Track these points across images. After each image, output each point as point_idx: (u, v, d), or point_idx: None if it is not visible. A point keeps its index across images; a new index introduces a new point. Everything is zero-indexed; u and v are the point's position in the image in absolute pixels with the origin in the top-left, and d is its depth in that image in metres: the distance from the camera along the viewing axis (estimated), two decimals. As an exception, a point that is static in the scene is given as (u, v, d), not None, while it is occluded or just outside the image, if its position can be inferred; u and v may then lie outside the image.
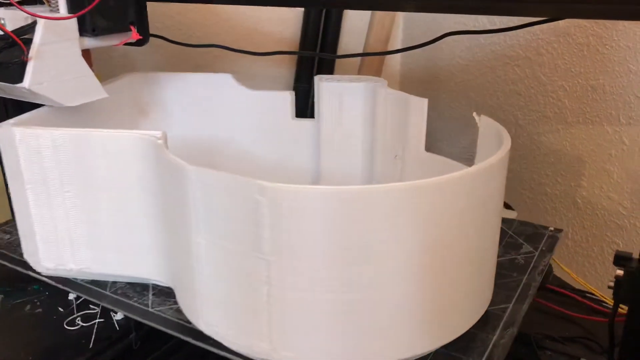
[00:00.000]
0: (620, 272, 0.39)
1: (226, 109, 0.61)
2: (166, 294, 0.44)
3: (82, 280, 0.46)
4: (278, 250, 0.32)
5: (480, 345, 0.38)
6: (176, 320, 0.41)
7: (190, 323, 0.40)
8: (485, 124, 0.44)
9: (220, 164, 0.62)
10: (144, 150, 0.40)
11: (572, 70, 0.73)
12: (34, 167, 0.42)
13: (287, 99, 0.60)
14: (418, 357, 0.37)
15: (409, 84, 0.96)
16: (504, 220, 0.56)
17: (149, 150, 0.40)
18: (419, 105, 0.50)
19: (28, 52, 0.40)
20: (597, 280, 0.77)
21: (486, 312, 0.41)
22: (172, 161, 0.36)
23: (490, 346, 0.38)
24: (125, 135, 0.40)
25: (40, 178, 0.43)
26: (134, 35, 0.47)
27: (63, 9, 0.43)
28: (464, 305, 0.39)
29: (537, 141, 0.79)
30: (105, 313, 0.46)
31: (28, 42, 0.41)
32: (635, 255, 0.38)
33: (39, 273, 0.46)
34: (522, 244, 0.52)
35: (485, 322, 0.40)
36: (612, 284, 0.39)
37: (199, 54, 0.74)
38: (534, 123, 0.79)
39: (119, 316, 0.46)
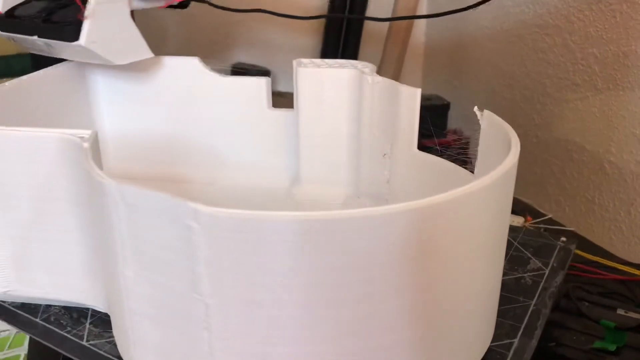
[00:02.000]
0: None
1: (192, 99, 0.54)
2: (107, 322, 0.37)
3: (9, 303, 0.39)
4: (219, 292, 0.25)
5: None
6: (113, 357, 0.34)
7: (128, 364, 0.33)
8: (489, 122, 0.37)
9: (184, 165, 0.55)
10: (68, 154, 0.33)
11: (604, 37, 0.71)
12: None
13: (262, 85, 0.52)
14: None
15: (433, 55, 0.96)
16: (510, 229, 0.49)
17: (74, 154, 0.32)
18: (411, 96, 0.42)
19: (85, 12, 0.42)
20: (624, 243, 0.73)
21: (487, 350, 0.34)
22: (91, 172, 0.28)
23: (492, 398, 0.31)
24: (44, 135, 0.33)
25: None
26: None
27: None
28: (461, 348, 0.32)
29: (565, 108, 0.78)
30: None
31: (83, 2, 0.43)
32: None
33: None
34: (529, 258, 0.45)
35: (486, 364, 0.33)
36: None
37: (214, 27, 0.73)
38: (562, 91, 0.78)
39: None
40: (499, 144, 0.34)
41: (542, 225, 0.74)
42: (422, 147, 0.80)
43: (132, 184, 0.26)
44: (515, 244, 0.46)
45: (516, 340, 0.35)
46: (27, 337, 0.68)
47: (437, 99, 0.80)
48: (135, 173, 0.56)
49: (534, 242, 0.47)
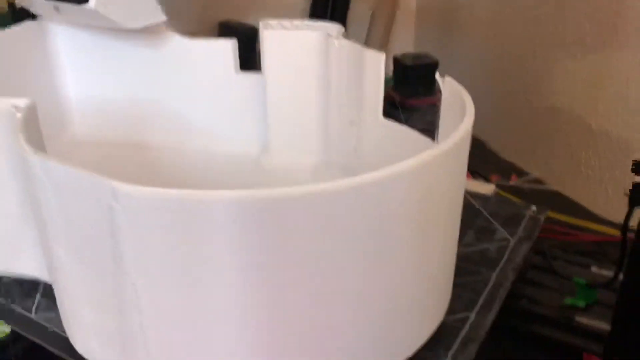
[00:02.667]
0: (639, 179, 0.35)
1: (159, 63, 0.52)
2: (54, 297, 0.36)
3: (-42, 276, 0.38)
4: (145, 272, 0.24)
5: (428, 373, 0.31)
6: (62, 333, 0.33)
7: (74, 339, 0.32)
8: (450, 89, 0.35)
9: (152, 131, 0.54)
10: (4, 124, 0.31)
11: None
12: None
13: (228, 48, 0.50)
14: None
15: (425, 13, 0.94)
16: (479, 198, 0.48)
17: (9, 124, 0.31)
18: (375, 61, 0.40)
19: None
20: (607, 203, 0.73)
21: (441, 323, 0.34)
22: (20, 145, 0.27)
23: (441, 374, 0.31)
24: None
25: None
26: None
27: None
28: (421, 316, 0.31)
29: (554, 68, 0.76)
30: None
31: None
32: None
33: None
34: (496, 229, 0.44)
35: (438, 339, 0.33)
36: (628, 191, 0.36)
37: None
38: (553, 50, 0.76)
39: None
40: (458, 112, 0.33)
41: (526, 185, 0.74)
42: (408, 106, 0.78)
43: (56, 160, 0.25)
44: (485, 213, 0.45)
45: (473, 314, 0.35)
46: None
47: (425, 57, 0.78)
48: (102, 139, 0.54)
49: (505, 211, 0.46)
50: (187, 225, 0.23)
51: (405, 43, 0.90)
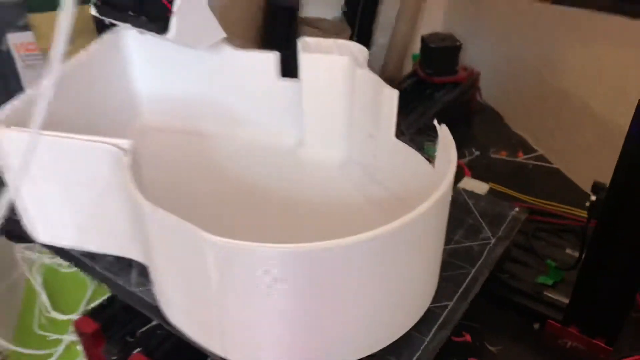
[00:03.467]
0: (593, 198, 0.49)
1: (216, 67, 0.62)
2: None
3: (76, 251, 0.52)
4: (222, 286, 0.37)
5: (413, 347, 0.43)
6: (151, 302, 0.47)
7: (164, 308, 0.46)
8: (442, 135, 0.45)
9: (207, 121, 0.65)
10: (112, 159, 0.43)
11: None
12: (19, 161, 0.46)
13: (271, 59, 0.60)
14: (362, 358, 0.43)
15: None
16: (473, 197, 0.59)
17: (117, 160, 0.43)
18: (390, 97, 0.50)
19: (172, 8, 0.49)
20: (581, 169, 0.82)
21: (428, 309, 0.46)
22: (130, 188, 0.39)
23: (422, 348, 0.43)
24: (92, 145, 0.43)
25: (27, 172, 0.46)
26: None
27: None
28: (410, 309, 0.44)
29: (567, 50, 0.82)
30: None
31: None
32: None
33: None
34: (482, 227, 0.55)
35: (423, 322, 0.45)
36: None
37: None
38: (567, 33, 0.82)
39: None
40: (445, 159, 0.43)
41: (530, 162, 0.84)
42: (432, 82, 0.87)
43: (163, 212, 0.36)
44: (475, 212, 0.56)
45: (452, 303, 0.47)
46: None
47: (450, 39, 0.86)
48: (166, 127, 0.66)
49: (491, 211, 0.57)
50: (253, 264, 0.35)
51: (435, 20, 0.96)
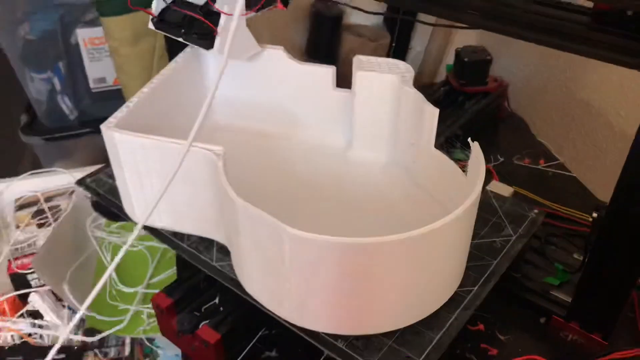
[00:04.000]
0: (595, 215, 0.56)
1: (279, 77, 0.72)
2: (227, 251, 0.60)
3: (166, 231, 0.63)
4: (294, 270, 0.48)
5: (441, 323, 0.53)
6: (230, 275, 0.58)
7: (240, 281, 0.57)
8: (475, 151, 0.54)
9: (269, 123, 0.75)
10: (206, 161, 0.54)
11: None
12: (129, 158, 0.58)
13: (329, 72, 0.70)
14: (399, 329, 0.53)
15: None
16: (498, 198, 0.68)
17: (210, 162, 0.53)
18: (431, 115, 0.59)
19: (217, 28, 0.59)
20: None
21: (455, 293, 0.56)
22: (224, 187, 0.50)
23: (448, 324, 0.53)
24: (192, 149, 0.54)
25: (134, 167, 0.58)
26: (279, 6, 0.65)
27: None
28: (440, 292, 0.54)
29: (589, 65, 0.88)
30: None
31: (214, 15, 0.59)
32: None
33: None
34: (505, 226, 0.64)
35: (451, 303, 0.55)
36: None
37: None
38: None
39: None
40: (476, 171, 0.53)
41: (550, 170, 0.91)
42: (463, 91, 0.95)
43: (252, 207, 0.47)
44: (500, 212, 0.66)
45: (475, 288, 0.57)
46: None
47: (482, 52, 0.94)
48: (233, 127, 0.77)
49: (514, 212, 0.66)
50: (317, 250, 0.46)
51: (469, 32, 1.04)
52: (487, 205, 0.67)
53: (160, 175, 0.58)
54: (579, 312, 0.60)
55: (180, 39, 0.64)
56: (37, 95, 1.10)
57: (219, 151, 0.53)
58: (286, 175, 0.71)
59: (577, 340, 0.61)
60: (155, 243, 0.88)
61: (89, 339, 0.74)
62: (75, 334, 0.75)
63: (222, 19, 0.59)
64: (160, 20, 0.65)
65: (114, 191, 0.67)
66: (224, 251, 0.60)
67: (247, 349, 0.61)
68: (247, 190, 0.50)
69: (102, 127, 0.57)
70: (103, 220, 0.90)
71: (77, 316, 0.46)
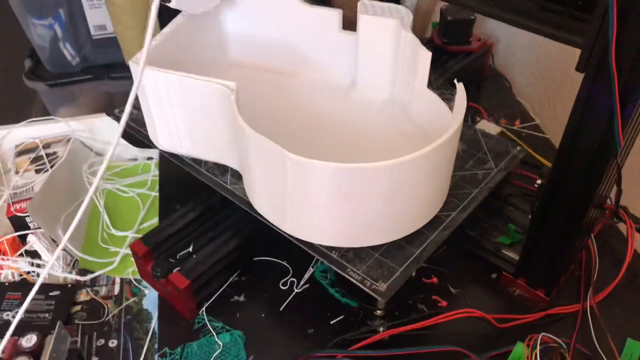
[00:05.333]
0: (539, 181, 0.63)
1: (290, 19, 0.78)
2: (239, 176, 0.69)
3: (187, 157, 0.72)
4: (295, 191, 0.56)
5: (421, 240, 0.62)
6: (242, 196, 0.67)
7: (250, 201, 0.66)
8: (459, 90, 0.61)
9: (281, 61, 0.82)
10: (221, 94, 0.61)
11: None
12: (153, 91, 0.65)
13: (335, 15, 0.76)
14: (385, 243, 0.62)
15: None
16: (485, 135, 0.75)
17: (225, 95, 0.61)
18: (425, 57, 0.66)
19: None
20: None
21: (435, 216, 0.64)
22: (236, 118, 0.58)
23: (428, 241, 0.62)
24: (207, 84, 0.61)
25: (158, 98, 0.66)
26: None
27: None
28: (422, 213, 0.62)
29: None
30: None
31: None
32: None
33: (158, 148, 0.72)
34: (489, 160, 0.71)
35: (432, 224, 0.63)
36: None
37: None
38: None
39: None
40: (459, 109, 0.60)
41: (524, 131, 0.94)
42: (447, 50, 0.98)
43: (261, 136, 0.55)
44: (485, 148, 0.73)
45: (454, 213, 0.65)
46: (152, 164, 1.01)
47: (466, 12, 0.97)
48: (248, 64, 0.84)
49: (497, 148, 0.73)
50: (316, 174, 0.54)
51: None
52: (474, 141, 0.74)
53: (180, 106, 0.65)
54: (525, 270, 0.65)
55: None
56: (40, 41, 1.13)
57: (232, 86, 0.61)
58: (293, 109, 0.78)
59: (523, 296, 0.66)
60: (146, 191, 0.97)
61: (82, 278, 0.82)
62: (70, 273, 0.82)
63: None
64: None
65: (139, 121, 0.75)
66: (237, 176, 0.69)
67: (218, 293, 0.68)
68: (257, 122, 0.58)
69: (130, 62, 0.65)
70: (99, 167, 0.94)
71: (58, 250, 0.54)
